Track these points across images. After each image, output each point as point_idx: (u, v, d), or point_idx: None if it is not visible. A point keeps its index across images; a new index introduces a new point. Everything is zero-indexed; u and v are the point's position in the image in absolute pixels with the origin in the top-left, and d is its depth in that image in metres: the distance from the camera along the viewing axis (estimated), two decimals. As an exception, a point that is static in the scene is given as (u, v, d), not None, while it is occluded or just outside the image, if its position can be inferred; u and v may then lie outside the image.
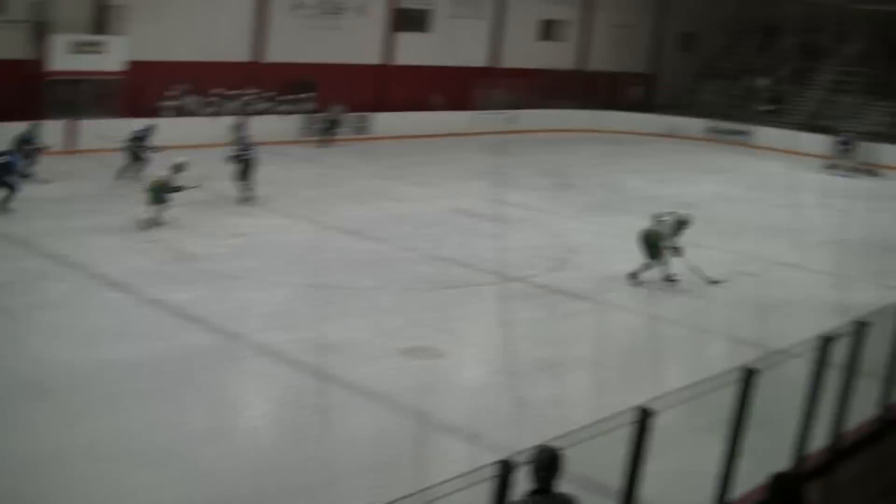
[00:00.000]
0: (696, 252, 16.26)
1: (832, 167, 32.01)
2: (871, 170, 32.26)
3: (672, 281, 16.03)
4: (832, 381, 7.89)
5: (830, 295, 15.62)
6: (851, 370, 8.05)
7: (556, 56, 38.99)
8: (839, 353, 7.76)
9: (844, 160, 32.24)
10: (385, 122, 31.75)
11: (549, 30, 39.42)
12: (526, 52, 37.80)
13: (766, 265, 18.02)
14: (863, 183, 29.40)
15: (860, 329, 7.88)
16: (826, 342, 7.50)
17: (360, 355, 12.01)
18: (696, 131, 38.51)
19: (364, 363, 11.75)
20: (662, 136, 37.44)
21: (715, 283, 16.09)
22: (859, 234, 20.81)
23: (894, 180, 30.39)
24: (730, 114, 39.66)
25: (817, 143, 33.66)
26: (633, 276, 15.97)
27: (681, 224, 16.16)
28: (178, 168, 18.48)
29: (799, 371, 7.76)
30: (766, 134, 36.36)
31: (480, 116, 34.32)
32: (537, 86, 36.90)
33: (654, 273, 15.97)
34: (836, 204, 24.33)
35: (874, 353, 8.38)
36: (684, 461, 8.30)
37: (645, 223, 16.20)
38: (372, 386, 11.04)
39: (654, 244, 15.95)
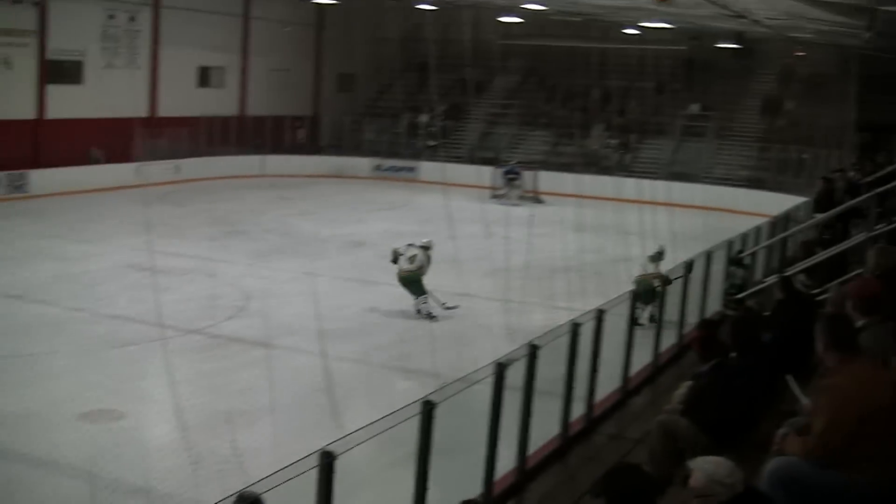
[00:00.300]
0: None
1: (499, 197, 34.24)
2: (535, 197, 34.82)
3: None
4: (513, 404, 8.22)
5: (504, 320, 16.78)
6: (529, 392, 8.41)
7: (217, 102, 38.80)
8: (515, 376, 8.10)
9: (511, 189, 34.55)
10: (43, 178, 30.33)
11: (207, 76, 39.26)
12: (186, 99, 37.29)
13: (445, 298, 19.01)
14: (528, 210, 31.53)
15: (533, 352, 8.24)
16: (501, 368, 7.76)
17: (36, 426, 11.42)
18: (364, 170, 39.74)
19: (41, 434, 11.18)
20: (330, 177, 38.33)
21: (451, 308, 17.17)
22: (527, 259, 22.39)
23: (555, 206, 32.87)
24: (395, 151, 41.38)
25: (482, 174, 35.86)
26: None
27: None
28: None
29: (483, 397, 7.97)
30: (432, 169, 37.97)
31: (144, 168, 33.52)
32: (201, 133, 36.75)
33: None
34: (504, 232, 26.06)
35: (550, 373, 8.87)
36: (379, 498, 8.55)
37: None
38: (51, 456, 10.53)
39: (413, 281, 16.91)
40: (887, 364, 5.88)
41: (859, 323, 6.13)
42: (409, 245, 17.68)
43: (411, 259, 17.55)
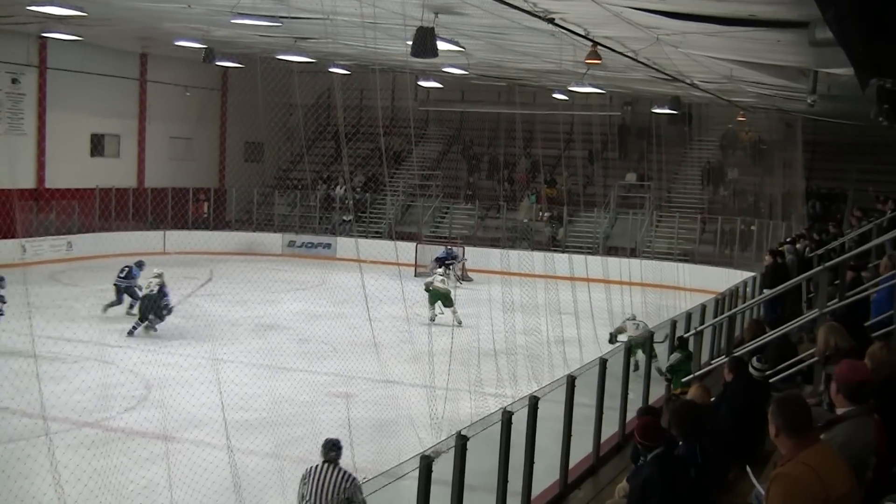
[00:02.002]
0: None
1: (425, 275, 34.30)
2: (465, 276, 35.07)
3: None
4: (442, 501, 8.22)
5: (429, 409, 16.73)
6: (459, 487, 8.43)
7: (112, 173, 38.54)
8: (444, 470, 8.15)
9: (448, 270, 34.56)
10: None
11: (100, 144, 39.02)
12: (77, 169, 37.01)
13: (364, 384, 18.94)
14: (459, 291, 31.62)
15: (462, 443, 8.29)
16: (428, 461, 7.84)
17: None
18: (275, 247, 39.69)
19: None
20: (238, 254, 38.16)
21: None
22: (453, 342, 22.43)
23: (483, 284, 33.02)
24: (309, 226, 41.43)
25: (402, 250, 35.97)
26: None
27: None
28: None
29: (409, 494, 8.01)
30: (349, 245, 38.07)
31: (31, 245, 33.09)
32: (94, 207, 36.42)
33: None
34: (427, 313, 26.23)
35: (482, 465, 8.92)
36: None
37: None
38: None
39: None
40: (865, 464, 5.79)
41: (840, 410, 6.09)
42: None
43: (442, 281, 26.45)
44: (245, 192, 43.22)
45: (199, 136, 42.92)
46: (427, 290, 27.42)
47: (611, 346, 20.76)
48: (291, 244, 40.32)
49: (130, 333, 23.16)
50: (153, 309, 23.73)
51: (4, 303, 21.33)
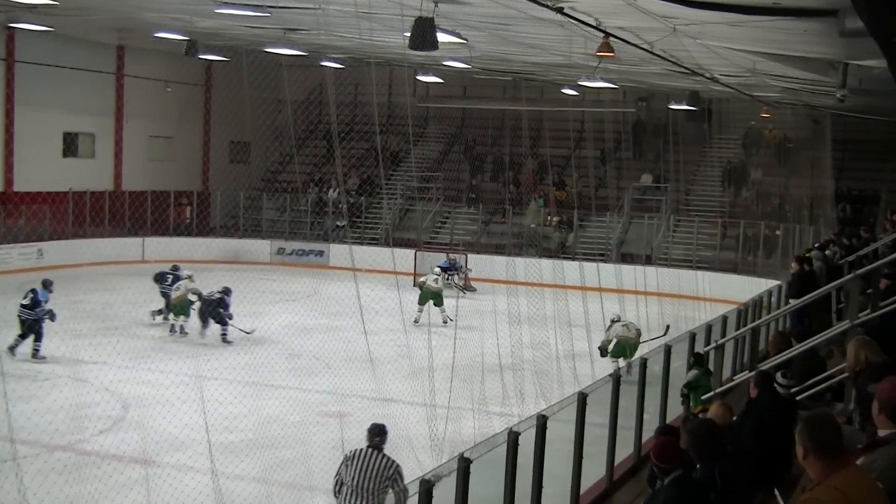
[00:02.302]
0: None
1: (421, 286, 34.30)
2: (468, 285, 35.06)
3: None
4: None
5: (429, 429, 16.71)
6: None
7: (87, 175, 38.55)
8: (445, 495, 8.15)
9: (452, 280, 34.56)
10: None
11: (74, 144, 39.04)
12: (48, 171, 37.01)
13: (359, 403, 18.91)
14: (462, 301, 31.58)
15: (465, 466, 8.27)
16: (428, 486, 7.86)
17: None
18: (263, 255, 39.69)
19: None
20: (223, 262, 38.10)
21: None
22: (456, 357, 22.39)
23: (487, 294, 33.01)
24: (299, 232, 41.42)
25: (401, 258, 35.90)
26: None
27: None
28: None
29: None
30: (342, 252, 38.06)
31: (-1, 252, 33.17)
32: (67, 212, 36.44)
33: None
34: (428, 325, 26.12)
35: (486, 491, 8.95)
36: None
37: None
38: None
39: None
40: None
41: (883, 432, 5.97)
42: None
43: (435, 280, 28.57)
44: (230, 196, 43.22)
45: (180, 136, 42.97)
46: (420, 287, 28.87)
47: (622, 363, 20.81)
48: (281, 252, 40.32)
49: (177, 330, 25.29)
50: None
51: None
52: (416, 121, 45.89)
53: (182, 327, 25.39)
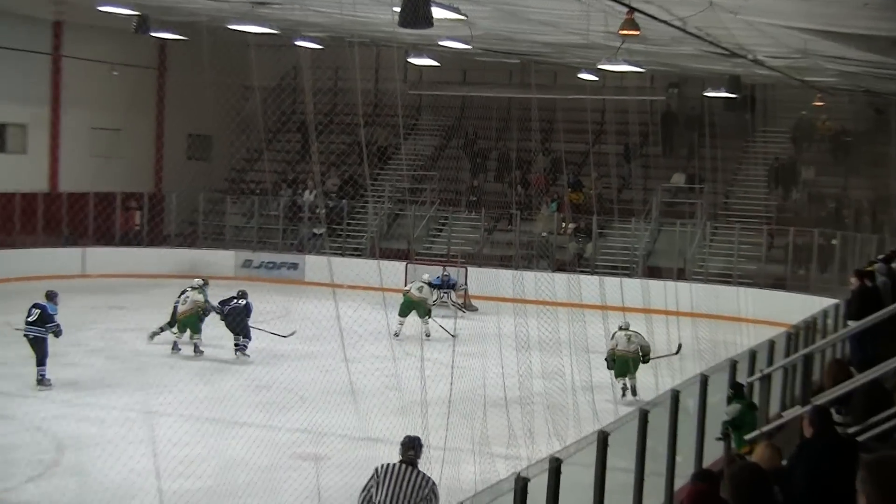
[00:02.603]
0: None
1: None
2: (468, 304, 34.98)
3: None
4: None
5: (428, 474, 16.61)
6: None
7: (17, 173, 38.50)
8: None
9: (448, 299, 34.48)
10: None
11: (1, 137, 39.00)
12: (-30, 169, 37.19)
13: (338, 444, 18.82)
14: (461, 322, 31.49)
15: None
16: None
17: None
18: (227, 268, 39.54)
19: None
20: (180, 277, 38.01)
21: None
22: (453, 390, 22.31)
23: (490, 314, 32.88)
24: (270, 241, 41.37)
25: (389, 271, 35.79)
26: None
27: None
28: None
29: None
30: (321, 265, 37.82)
31: None
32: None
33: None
34: (420, 352, 25.98)
35: None
36: None
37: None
38: None
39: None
40: None
41: None
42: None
43: (419, 289, 29.72)
44: (188, 199, 43.22)
45: (129, 127, 42.93)
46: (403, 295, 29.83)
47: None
48: (247, 264, 40.25)
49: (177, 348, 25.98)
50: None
51: None
52: (406, 111, 45.88)
53: (196, 346, 26.02)
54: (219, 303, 26.26)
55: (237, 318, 25.63)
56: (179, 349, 25.93)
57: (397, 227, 42.48)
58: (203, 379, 23.68)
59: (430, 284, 32.99)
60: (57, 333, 22.44)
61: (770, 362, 16.62)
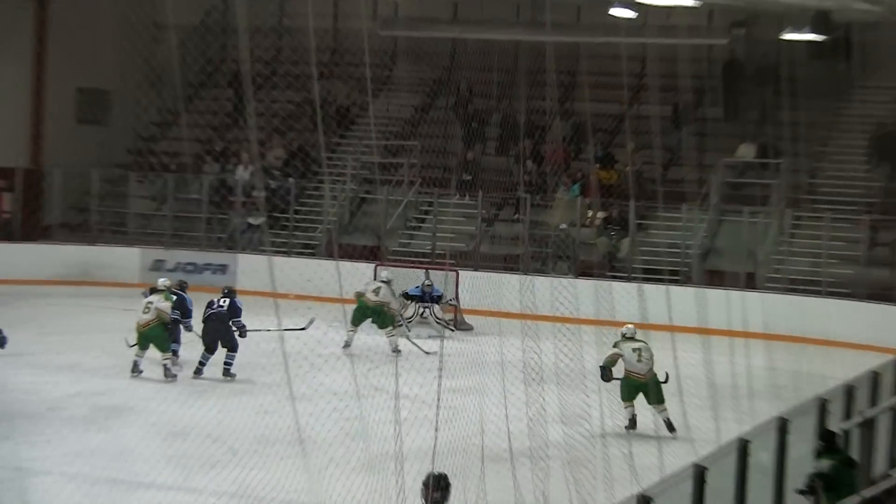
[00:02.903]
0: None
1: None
2: (460, 321, 34.84)
3: None
4: None
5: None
6: None
7: None
8: None
9: (429, 314, 34.38)
10: None
11: None
12: None
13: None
14: (449, 345, 31.46)
15: None
16: None
17: None
18: (130, 271, 39.49)
19: None
20: (66, 284, 38.00)
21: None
22: (445, 437, 22.26)
23: (488, 335, 32.85)
24: (189, 235, 41.29)
25: (352, 275, 35.44)
26: None
27: None
28: None
29: None
30: (259, 266, 37.99)
31: None
32: None
33: None
34: (395, 386, 25.87)
35: None
36: None
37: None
38: None
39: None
40: None
41: None
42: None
43: (376, 291, 30.17)
44: (78, 177, 43.11)
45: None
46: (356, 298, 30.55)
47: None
48: (158, 266, 40.07)
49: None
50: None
51: None
52: (377, 59, 45.73)
53: (166, 367, 26.42)
54: (206, 306, 26.64)
55: (217, 328, 25.88)
56: (141, 371, 26.17)
57: (363, 217, 42.38)
58: (95, 424, 23.49)
59: (406, 295, 33.01)
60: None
61: (872, 401, 16.55)
